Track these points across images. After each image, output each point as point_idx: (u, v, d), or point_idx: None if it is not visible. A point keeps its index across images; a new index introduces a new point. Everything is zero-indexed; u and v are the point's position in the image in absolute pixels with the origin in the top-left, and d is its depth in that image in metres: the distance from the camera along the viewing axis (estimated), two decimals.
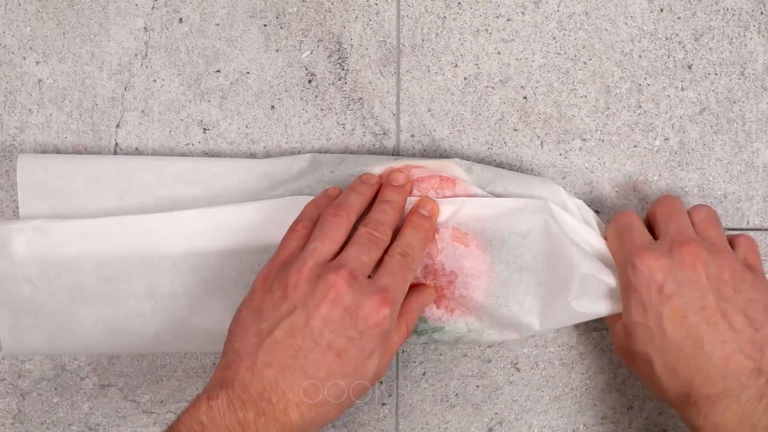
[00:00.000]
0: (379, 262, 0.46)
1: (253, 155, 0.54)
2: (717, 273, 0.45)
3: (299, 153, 0.54)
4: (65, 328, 0.51)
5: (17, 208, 0.53)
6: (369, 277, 0.45)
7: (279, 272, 0.44)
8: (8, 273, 0.50)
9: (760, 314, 0.44)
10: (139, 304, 0.51)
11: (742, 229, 0.54)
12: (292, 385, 0.42)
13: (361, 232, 0.46)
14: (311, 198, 0.49)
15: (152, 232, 0.50)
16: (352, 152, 0.54)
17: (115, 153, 0.54)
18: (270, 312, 0.43)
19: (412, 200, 0.49)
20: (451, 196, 0.50)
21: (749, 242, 0.48)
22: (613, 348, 0.49)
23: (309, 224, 0.47)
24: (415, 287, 0.48)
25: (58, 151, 0.54)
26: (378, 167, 0.51)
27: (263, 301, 0.44)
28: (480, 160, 0.54)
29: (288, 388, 0.42)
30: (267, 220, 0.50)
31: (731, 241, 0.48)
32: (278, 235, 0.48)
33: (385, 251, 0.46)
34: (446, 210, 0.49)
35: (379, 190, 0.49)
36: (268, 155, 0.54)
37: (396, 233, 0.47)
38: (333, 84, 0.54)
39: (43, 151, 0.54)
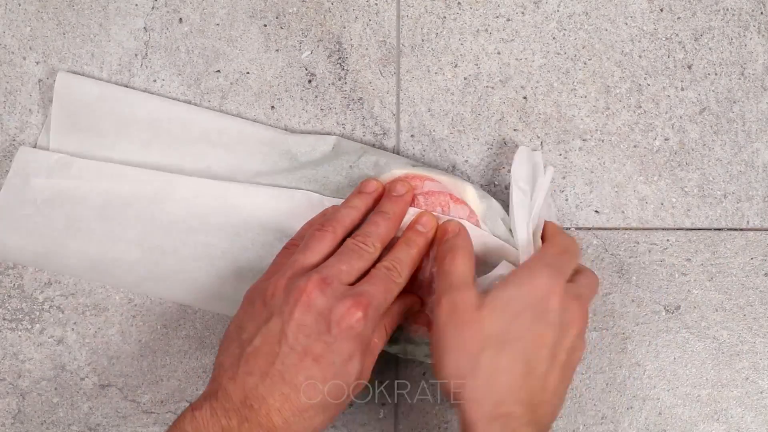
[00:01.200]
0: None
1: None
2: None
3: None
4: (53, 252, 0.53)
5: None
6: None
7: (262, 286, 0.45)
8: (19, 189, 0.52)
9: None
10: (127, 250, 0.52)
11: (741, 230, 0.54)
12: (272, 391, 0.42)
13: (347, 243, 0.46)
14: (320, 196, 0.50)
15: (164, 189, 0.51)
16: None
17: None
18: (250, 322, 0.44)
19: (417, 212, 0.49)
20: (456, 218, 0.49)
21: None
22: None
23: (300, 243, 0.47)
24: (400, 293, 0.48)
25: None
26: (397, 171, 0.50)
27: (245, 314, 0.45)
28: (480, 161, 0.54)
29: (268, 394, 0.42)
30: (274, 207, 0.51)
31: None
32: (280, 221, 0.50)
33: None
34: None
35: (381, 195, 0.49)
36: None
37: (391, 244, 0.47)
38: (333, 84, 0.54)
39: None
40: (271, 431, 0.42)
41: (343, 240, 0.46)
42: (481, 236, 0.49)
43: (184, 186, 0.51)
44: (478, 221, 0.49)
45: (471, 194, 0.49)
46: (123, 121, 0.52)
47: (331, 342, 0.42)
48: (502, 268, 0.48)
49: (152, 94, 0.53)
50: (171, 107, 0.53)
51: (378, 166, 0.51)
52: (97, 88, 0.53)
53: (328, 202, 0.50)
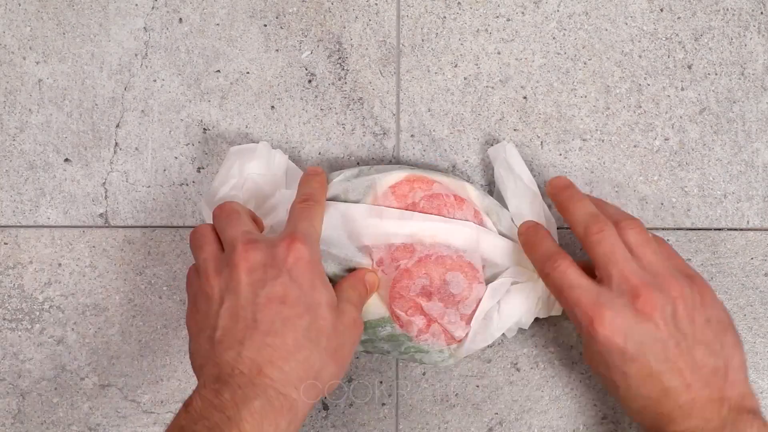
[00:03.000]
0: None
1: None
2: (673, 312, 0.43)
3: (300, 152, 0.54)
4: None
5: (17, 207, 0.53)
6: None
7: (196, 285, 0.46)
8: None
9: (719, 334, 0.44)
10: None
11: (741, 230, 0.54)
12: (258, 348, 0.41)
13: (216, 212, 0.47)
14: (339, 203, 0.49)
15: None
16: (351, 153, 0.54)
17: (115, 153, 0.54)
18: (205, 318, 0.44)
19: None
20: (461, 219, 0.49)
21: (666, 247, 0.47)
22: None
23: None
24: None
25: (57, 151, 0.54)
26: (401, 172, 0.49)
27: (196, 313, 0.45)
28: (480, 161, 0.54)
29: (255, 353, 0.41)
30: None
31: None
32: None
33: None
34: (468, 238, 0.49)
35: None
36: None
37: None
38: (333, 84, 0.54)
39: (43, 152, 0.54)
40: (270, 387, 0.41)
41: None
42: (491, 239, 0.49)
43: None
44: (482, 220, 0.49)
45: (472, 192, 0.50)
46: None
47: (287, 280, 0.42)
48: (514, 274, 0.49)
49: None
50: None
51: (379, 171, 0.50)
52: None
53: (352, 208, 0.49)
